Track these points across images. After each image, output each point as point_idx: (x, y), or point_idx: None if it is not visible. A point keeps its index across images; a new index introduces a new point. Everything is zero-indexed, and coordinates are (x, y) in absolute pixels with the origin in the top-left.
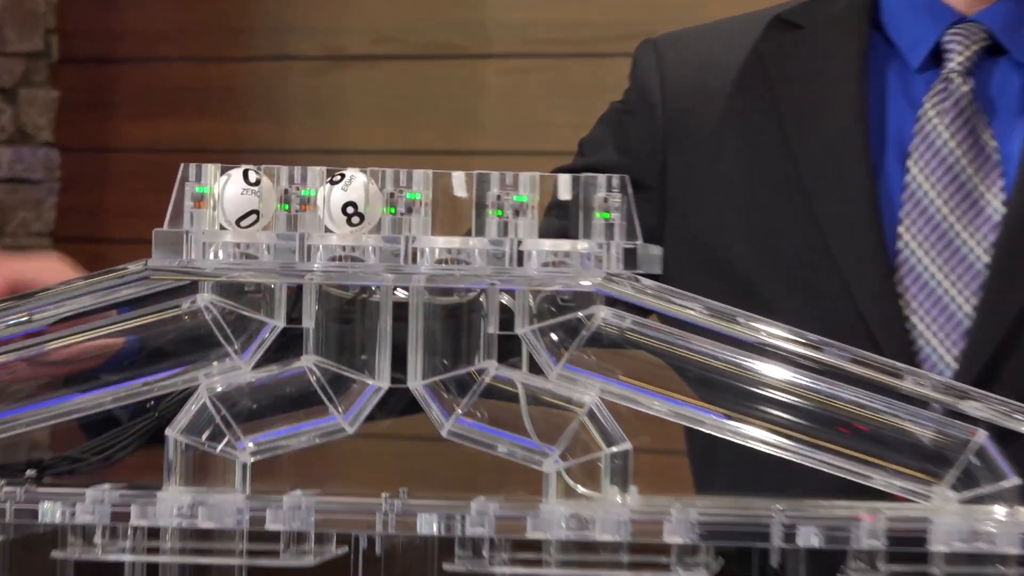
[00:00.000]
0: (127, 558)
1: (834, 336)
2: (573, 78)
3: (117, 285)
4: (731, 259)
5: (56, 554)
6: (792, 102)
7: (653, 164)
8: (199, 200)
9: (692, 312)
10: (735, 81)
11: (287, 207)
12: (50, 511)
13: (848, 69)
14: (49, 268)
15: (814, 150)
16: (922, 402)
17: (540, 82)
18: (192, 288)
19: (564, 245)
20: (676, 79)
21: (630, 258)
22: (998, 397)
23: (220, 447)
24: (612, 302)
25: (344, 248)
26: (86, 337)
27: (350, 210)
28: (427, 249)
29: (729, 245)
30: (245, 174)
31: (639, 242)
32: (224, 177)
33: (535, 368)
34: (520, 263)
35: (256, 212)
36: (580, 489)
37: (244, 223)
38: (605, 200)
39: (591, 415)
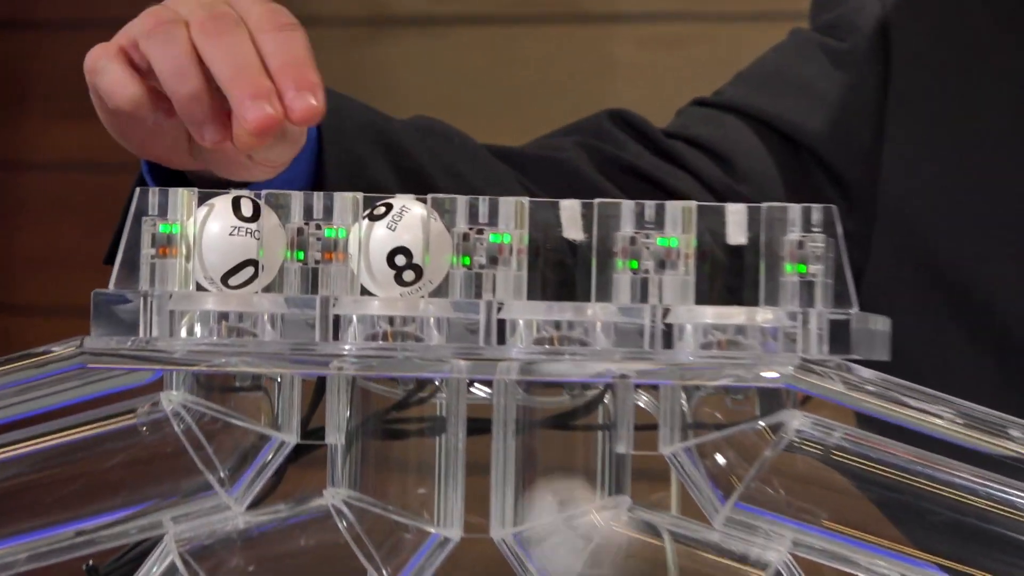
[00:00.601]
0: None
1: None
2: (745, 52)
3: (37, 379)
4: (993, 303)
5: None
6: None
7: (861, 132)
8: (164, 245)
9: (937, 423)
10: (1000, 37)
11: (302, 255)
12: None
13: None
14: None
15: None
16: None
17: (696, 58)
18: (155, 383)
19: (736, 315)
20: (906, 13)
21: (840, 335)
22: None
23: None
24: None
25: (391, 321)
26: None
27: (401, 260)
28: (521, 322)
29: (990, 282)
30: (236, 205)
31: (854, 310)
32: (204, 209)
33: (691, 507)
34: (667, 344)
35: (254, 263)
36: None
37: (235, 280)
38: (800, 244)
39: None
